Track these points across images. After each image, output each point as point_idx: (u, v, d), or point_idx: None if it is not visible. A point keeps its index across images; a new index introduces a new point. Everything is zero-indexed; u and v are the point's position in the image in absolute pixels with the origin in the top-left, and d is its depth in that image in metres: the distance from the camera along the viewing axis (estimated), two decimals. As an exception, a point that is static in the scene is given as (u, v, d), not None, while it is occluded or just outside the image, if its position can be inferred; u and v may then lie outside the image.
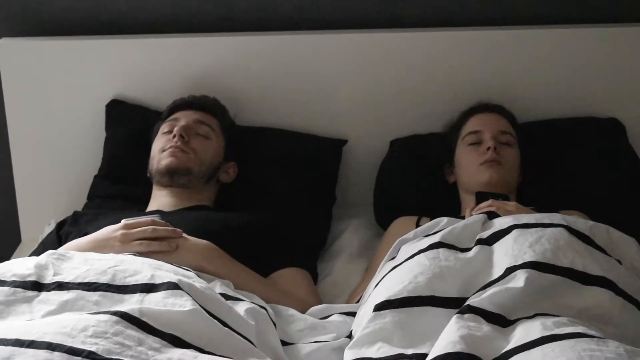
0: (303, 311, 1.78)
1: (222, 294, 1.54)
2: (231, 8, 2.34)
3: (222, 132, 2.09)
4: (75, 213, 2.03)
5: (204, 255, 1.75)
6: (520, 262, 1.49)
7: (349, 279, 1.96)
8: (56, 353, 1.25)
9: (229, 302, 1.54)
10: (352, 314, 1.70)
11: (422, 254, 1.59)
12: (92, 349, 1.24)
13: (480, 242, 1.63)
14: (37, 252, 1.81)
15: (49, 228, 2.08)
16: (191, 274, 1.55)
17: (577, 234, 1.57)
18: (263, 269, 1.84)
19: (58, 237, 1.91)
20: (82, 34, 2.32)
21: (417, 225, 1.99)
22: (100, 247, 1.69)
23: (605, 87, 2.24)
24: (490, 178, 2.01)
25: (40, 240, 1.99)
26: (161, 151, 2.00)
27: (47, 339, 1.27)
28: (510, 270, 1.48)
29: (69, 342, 1.24)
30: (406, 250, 1.68)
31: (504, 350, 1.36)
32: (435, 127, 2.18)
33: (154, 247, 1.68)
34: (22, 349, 1.24)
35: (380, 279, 1.65)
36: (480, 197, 1.91)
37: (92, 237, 1.75)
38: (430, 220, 1.93)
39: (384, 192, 2.15)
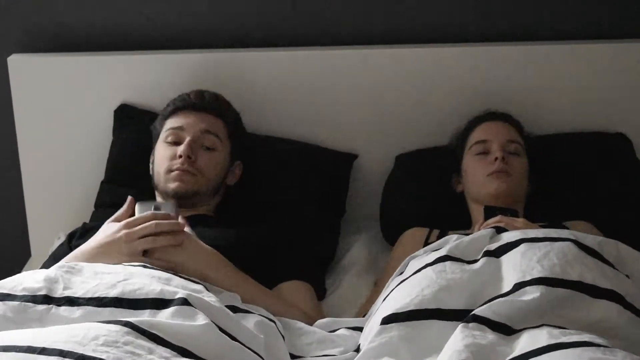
0: (307, 324, 1.77)
1: (231, 307, 1.54)
2: (244, 25, 2.37)
3: (228, 135, 2.03)
4: (85, 225, 2.00)
5: (210, 264, 1.73)
6: (528, 277, 1.48)
7: (357, 293, 1.95)
8: None
9: (238, 315, 1.54)
10: (359, 329, 1.69)
11: (429, 268, 1.59)
12: (103, 356, 1.25)
13: (487, 254, 1.62)
14: (48, 265, 1.80)
15: (59, 242, 2.08)
16: (200, 287, 1.54)
17: (585, 248, 1.57)
18: (266, 281, 1.83)
19: (69, 249, 1.88)
20: (91, 50, 2.33)
21: (428, 237, 2.01)
22: (106, 253, 1.68)
23: (613, 102, 2.24)
24: (498, 189, 1.98)
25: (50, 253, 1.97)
26: (167, 172, 1.95)
27: (58, 346, 1.28)
28: (518, 286, 1.47)
29: (80, 350, 1.26)
30: (414, 265, 1.68)
31: (509, 358, 1.36)
32: (445, 142, 2.18)
33: (160, 241, 1.65)
34: (34, 355, 1.26)
35: (388, 293, 1.65)
36: (489, 211, 1.89)
37: (96, 243, 1.72)
38: (440, 232, 1.96)
39: (390, 208, 2.15)
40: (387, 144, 2.29)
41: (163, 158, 1.96)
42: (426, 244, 1.99)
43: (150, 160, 2.00)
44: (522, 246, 1.60)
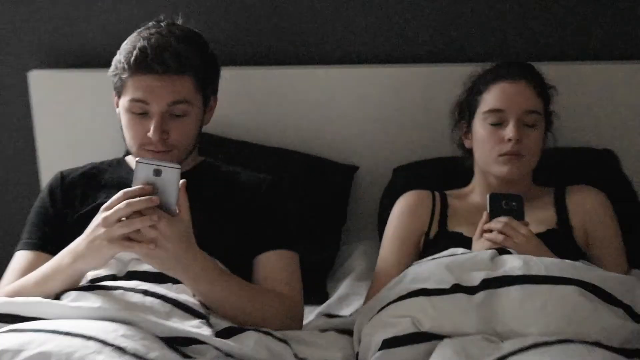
0: (292, 309, 1.74)
1: (228, 328, 1.56)
2: (252, 43, 2.41)
3: (198, 88, 1.75)
4: (63, 177, 1.83)
5: (207, 278, 1.62)
6: (523, 345, 1.46)
7: (356, 296, 1.99)
8: (90, 342, 1.33)
9: (239, 336, 1.54)
10: (349, 332, 1.73)
11: (425, 299, 1.58)
12: (122, 345, 1.32)
13: (486, 284, 1.58)
14: (29, 231, 1.77)
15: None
16: (198, 322, 1.52)
17: (587, 286, 1.54)
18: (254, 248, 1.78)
19: (54, 214, 1.79)
20: (110, 65, 2.30)
21: (433, 206, 1.94)
22: (93, 244, 1.54)
23: (601, 120, 2.27)
24: (509, 173, 1.88)
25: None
26: (139, 147, 1.75)
27: (81, 332, 1.35)
28: (512, 353, 1.47)
29: (102, 336, 1.33)
30: (413, 275, 1.67)
31: (498, 355, 1.41)
32: (440, 155, 2.18)
33: (135, 225, 1.48)
34: (60, 335, 1.33)
35: (383, 305, 1.65)
36: (494, 200, 1.80)
37: (84, 235, 1.57)
38: (441, 195, 1.95)
39: (388, 217, 2.09)
40: (385, 156, 2.34)
41: (132, 131, 1.76)
42: (433, 213, 1.95)
43: (117, 112, 1.80)
44: (521, 290, 1.55)
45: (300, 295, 1.79)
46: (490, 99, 1.87)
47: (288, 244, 1.82)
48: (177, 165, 1.51)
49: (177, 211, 1.51)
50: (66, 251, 1.60)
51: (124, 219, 1.47)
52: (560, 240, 1.88)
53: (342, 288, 2.09)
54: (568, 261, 1.63)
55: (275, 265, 1.79)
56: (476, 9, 2.28)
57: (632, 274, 1.90)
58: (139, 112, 1.70)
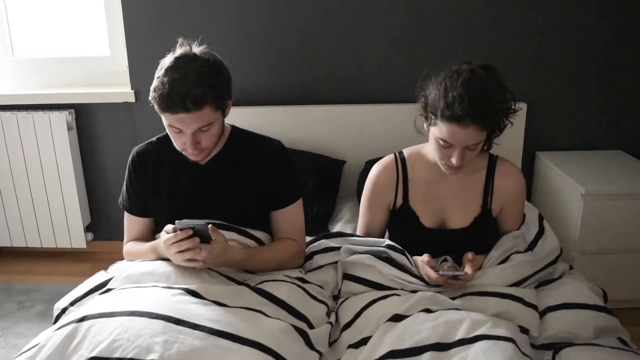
0: (298, 253, 2.04)
1: (259, 311, 1.77)
2: (278, 90, 3.04)
3: (217, 107, 1.88)
4: (138, 156, 2.05)
5: (243, 264, 1.94)
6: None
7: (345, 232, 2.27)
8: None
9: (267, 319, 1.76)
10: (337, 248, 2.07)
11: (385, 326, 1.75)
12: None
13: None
14: (125, 196, 2.09)
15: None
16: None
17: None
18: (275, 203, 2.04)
19: (134, 186, 2.05)
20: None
21: (397, 173, 2.02)
22: (158, 252, 1.92)
23: None
24: (451, 175, 1.96)
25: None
26: (181, 150, 1.94)
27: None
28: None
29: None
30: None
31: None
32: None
33: (185, 256, 1.81)
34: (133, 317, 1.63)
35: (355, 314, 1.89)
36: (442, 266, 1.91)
37: (160, 250, 1.90)
38: (402, 163, 2.03)
39: (362, 189, 2.24)
40: (361, 154, 2.97)
41: (174, 141, 1.94)
42: (397, 187, 2.04)
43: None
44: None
45: (303, 237, 2.07)
46: (442, 130, 1.83)
47: (296, 196, 2.03)
48: (204, 222, 1.78)
49: (213, 238, 1.82)
50: (151, 251, 1.97)
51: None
52: (482, 225, 2.06)
53: (336, 228, 2.64)
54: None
55: (287, 219, 2.03)
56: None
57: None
58: (177, 131, 1.88)
